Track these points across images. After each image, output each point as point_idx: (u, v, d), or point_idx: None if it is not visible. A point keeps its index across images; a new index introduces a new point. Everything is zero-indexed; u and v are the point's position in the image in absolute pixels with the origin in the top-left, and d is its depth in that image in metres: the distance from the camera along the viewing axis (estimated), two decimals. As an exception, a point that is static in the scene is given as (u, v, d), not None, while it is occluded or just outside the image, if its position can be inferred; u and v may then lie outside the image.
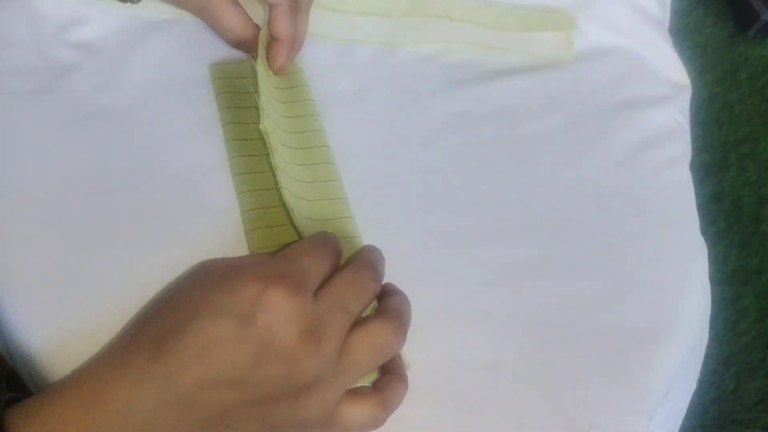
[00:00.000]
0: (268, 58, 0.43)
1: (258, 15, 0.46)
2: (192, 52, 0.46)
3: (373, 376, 0.35)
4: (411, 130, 0.45)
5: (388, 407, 0.33)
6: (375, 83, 0.47)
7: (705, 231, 0.44)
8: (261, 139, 0.40)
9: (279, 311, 0.29)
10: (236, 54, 0.46)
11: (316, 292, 0.31)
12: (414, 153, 0.45)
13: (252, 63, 0.46)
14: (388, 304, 0.34)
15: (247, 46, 0.45)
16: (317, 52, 0.47)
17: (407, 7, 0.50)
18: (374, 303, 0.35)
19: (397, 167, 0.44)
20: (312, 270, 0.31)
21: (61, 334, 0.36)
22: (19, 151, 0.41)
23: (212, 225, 0.40)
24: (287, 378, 0.29)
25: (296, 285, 0.30)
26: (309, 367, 0.29)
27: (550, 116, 0.47)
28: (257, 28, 0.44)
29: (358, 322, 0.32)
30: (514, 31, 0.50)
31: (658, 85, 0.50)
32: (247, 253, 0.39)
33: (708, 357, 0.45)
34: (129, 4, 0.46)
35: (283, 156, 0.40)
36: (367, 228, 0.41)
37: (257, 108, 0.41)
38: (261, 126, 0.39)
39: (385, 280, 0.39)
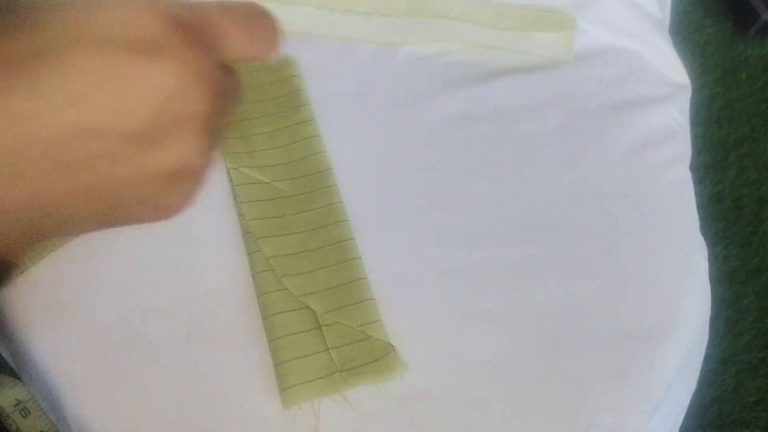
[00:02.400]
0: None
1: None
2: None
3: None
4: (411, 129, 0.45)
5: None
6: (375, 83, 0.47)
7: (705, 231, 0.44)
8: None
9: (192, 41, 0.23)
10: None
11: None
12: (414, 152, 0.45)
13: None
14: None
15: None
16: (317, 52, 0.47)
17: (407, 7, 0.50)
18: None
19: (397, 167, 0.44)
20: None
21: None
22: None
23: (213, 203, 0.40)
24: (181, 121, 0.23)
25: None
26: (204, 112, 0.23)
27: (550, 116, 0.47)
28: None
29: None
30: (514, 31, 0.50)
31: (658, 85, 0.50)
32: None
33: (708, 357, 0.45)
34: None
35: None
36: (366, 228, 0.41)
37: (241, 121, 0.42)
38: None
39: (383, 280, 0.40)
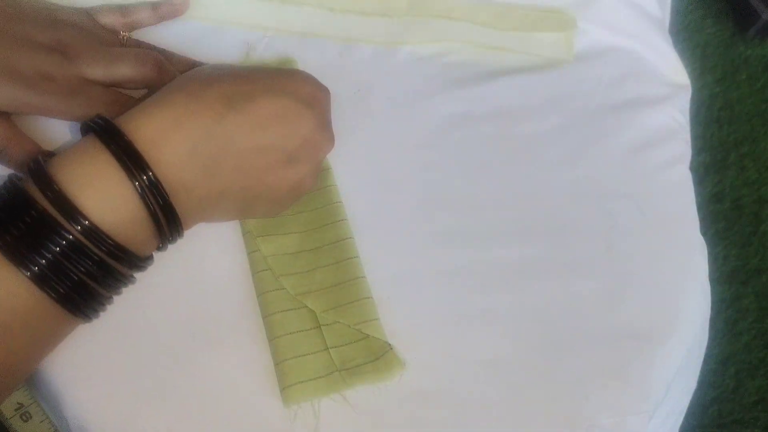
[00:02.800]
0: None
1: (263, 13, 0.46)
2: (188, 52, 0.46)
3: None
4: (411, 130, 0.45)
5: None
6: (375, 83, 0.47)
7: (705, 231, 0.44)
8: None
9: (327, 107, 0.38)
10: (234, 56, 0.46)
11: None
12: (414, 153, 0.45)
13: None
14: None
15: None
16: (317, 52, 0.47)
17: (407, 7, 0.50)
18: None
19: (397, 167, 0.44)
20: None
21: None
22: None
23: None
24: (313, 153, 0.37)
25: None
26: (325, 153, 0.39)
27: (550, 116, 0.47)
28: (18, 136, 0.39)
29: None
30: (514, 31, 0.50)
31: (658, 85, 0.50)
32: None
33: (708, 357, 0.45)
34: None
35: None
36: (366, 228, 0.41)
37: None
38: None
39: (383, 280, 0.40)
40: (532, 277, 0.41)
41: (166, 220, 0.33)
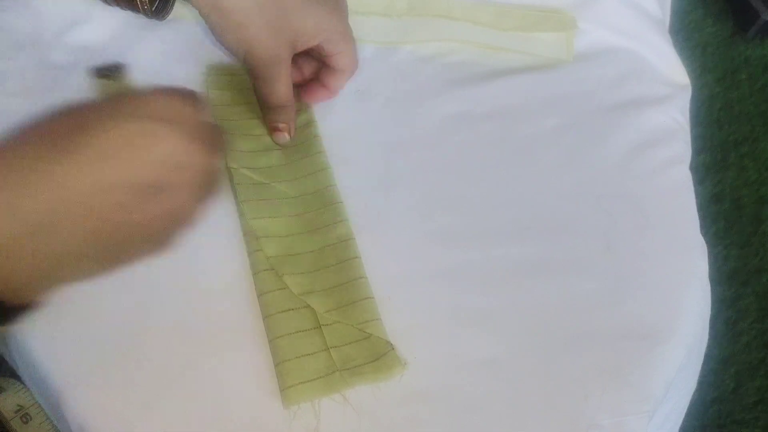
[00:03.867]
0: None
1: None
2: (190, 52, 0.46)
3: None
4: (411, 129, 0.45)
5: None
6: (375, 83, 0.47)
7: (705, 231, 0.44)
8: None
9: (198, 116, 0.31)
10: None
11: None
12: (414, 152, 0.45)
13: None
14: None
15: (285, 112, 0.43)
16: (317, 52, 0.47)
17: (407, 7, 0.50)
18: None
19: (398, 167, 0.44)
20: None
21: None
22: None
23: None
24: (182, 175, 0.30)
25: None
26: (201, 170, 0.31)
27: (550, 116, 0.47)
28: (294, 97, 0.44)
29: None
30: (514, 31, 0.50)
31: (658, 85, 0.50)
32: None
33: (708, 357, 0.45)
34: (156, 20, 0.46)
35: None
36: (366, 228, 0.41)
37: (248, 119, 0.42)
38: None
39: (383, 280, 0.40)
40: (532, 277, 0.41)
41: None
